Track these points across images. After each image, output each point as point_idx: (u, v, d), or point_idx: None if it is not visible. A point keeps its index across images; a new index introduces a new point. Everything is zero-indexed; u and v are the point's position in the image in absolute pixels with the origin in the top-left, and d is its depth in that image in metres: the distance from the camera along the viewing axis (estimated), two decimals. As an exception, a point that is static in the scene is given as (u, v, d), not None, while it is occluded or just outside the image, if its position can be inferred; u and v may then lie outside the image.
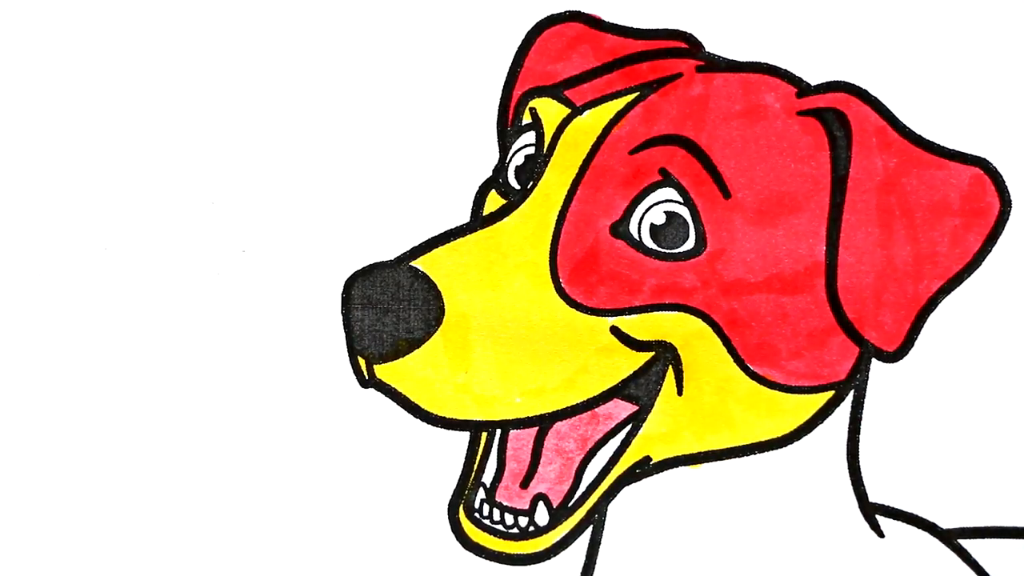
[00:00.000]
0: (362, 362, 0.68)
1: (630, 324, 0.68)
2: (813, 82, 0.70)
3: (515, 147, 0.70)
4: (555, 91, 0.70)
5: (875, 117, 0.69)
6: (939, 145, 0.69)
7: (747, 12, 0.71)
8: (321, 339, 0.69)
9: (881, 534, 0.69)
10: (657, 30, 0.71)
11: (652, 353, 0.68)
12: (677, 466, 0.69)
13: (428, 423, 0.69)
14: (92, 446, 0.69)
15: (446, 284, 0.68)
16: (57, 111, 0.71)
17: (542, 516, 0.68)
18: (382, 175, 0.70)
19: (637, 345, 0.68)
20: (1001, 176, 0.69)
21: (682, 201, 0.68)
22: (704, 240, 0.68)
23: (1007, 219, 0.68)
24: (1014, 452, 0.70)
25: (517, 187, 0.70)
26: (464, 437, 0.69)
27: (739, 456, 0.68)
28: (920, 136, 0.69)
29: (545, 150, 0.69)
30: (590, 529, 0.69)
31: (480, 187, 0.70)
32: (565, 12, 0.71)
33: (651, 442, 0.68)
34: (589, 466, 0.69)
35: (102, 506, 0.69)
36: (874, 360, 0.68)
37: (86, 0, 0.71)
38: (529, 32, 0.71)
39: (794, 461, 0.68)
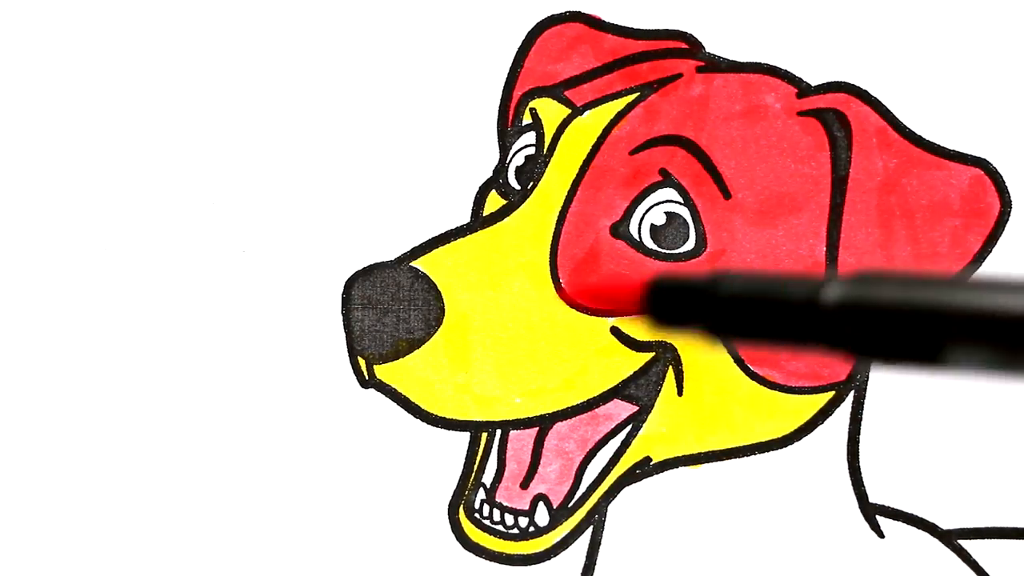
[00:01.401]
0: (362, 362, 0.68)
1: (630, 325, 0.68)
2: (813, 82, 0.70)
3: (515, 147, 0.70)
4: (555, 91, 0.70)
5: (875, 117, 0.69)
6: (939, 145, 0.69)
7: (747, 12, 0.71)
8: (321, 339, 0.69)
9: (881, 534, 0.69)
10: (657, 30, 0.71)
11: (652, 354, 0.68)
12: (677, 466, 0.69)
13: (428, 423, 0.69)
14: (91, 446, 0.69)
15: (446, 284, 0.68)
16: (57, 111, 0.71)
17: (542, 516, 0.68)
18: (382, 175, 0.70)
19: (637, 346, 0.68)
20: (1001, 177, 0.69)
21: (682, 201, 0.68)
22: (704, 240, 0.68)
23: (1007, 220, 0.68)
24: (1014, 452, 0.70)
25: (517, 187, 0.70)
26: (464, 437, 0.69)
27: (739, 456, 0.68)
28: (920, 136, 0.69)
29: (545, 150, 0.69)
30: (590, 529, 0.69)
31: (480, 187, 0.70)
32: (565, 12, 0.71)
33: (651, 443, 0.68)
34: (589, 467, 0.69)
35: (102, 505, 0.69)
36: (874, 360, 0.68)
37: (87, 0, 0.71)
38: (529, 32, 0.71)
39: (794, 461, 0.68)
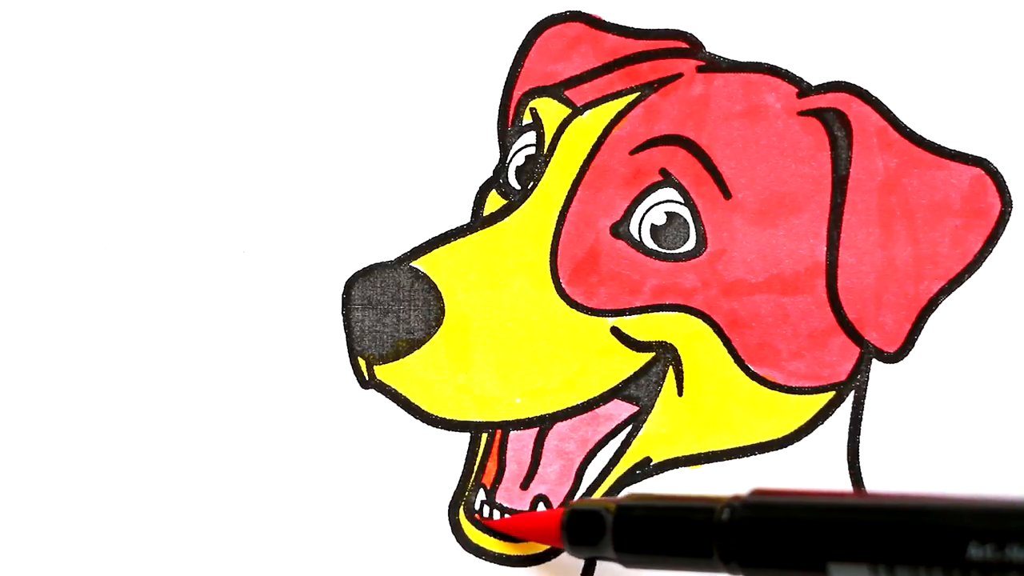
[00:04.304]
0: (362, 363, 0.68)
1: (630, 325, 0.68)
2: (814, 82, 0.70)
3: (515, 147, 0.70)
4: (556, 91, 0.70)
5: (876, 117, 0.69)
6: (939, 145, 0.69)
7: (747, 12, 0.71)
8: (321, 340, 0.69)
9: (881, 535, 0.69)
10: (658, 30, 0.71)
11: (652, 354, 0.68)
12: (677, 467, 0.69)
13: (428, 424, 0.69)
14: (89, 447, 0.69)
15: (446, 284, 0.68)
16: (57, 111, 0.71)
17: (542, 517, 0.68)
18: (382, 175, 0.70)
19: (637, 346, 0.68)
20: (1002, 176, 0.69)
21: (683, 201, 0.68)
22: (704, 240, 0.68)
23: (1008, 220, 0.68)
24: (1014, 452, 0.70)
25: (517, 187, 0.70)
26: (464, 438, 0.69)
27: (740, 457, 0.68)
28: (921, 136, 0.69)
29: (545, 150, 0.69)
30: (590, 530, 0.69)
31: (480, 187, 0.70)
32: (566, 12, 0.71)
33: (651, 443, 0.68)
34: (589, 467, 0.69)
35: (99, 506, 0.69)
36: (874, 361, 0.68)
37: (86, 0, 0.71)
38: (529, 32, 0.71)
39: (794, 462, 0.68)
